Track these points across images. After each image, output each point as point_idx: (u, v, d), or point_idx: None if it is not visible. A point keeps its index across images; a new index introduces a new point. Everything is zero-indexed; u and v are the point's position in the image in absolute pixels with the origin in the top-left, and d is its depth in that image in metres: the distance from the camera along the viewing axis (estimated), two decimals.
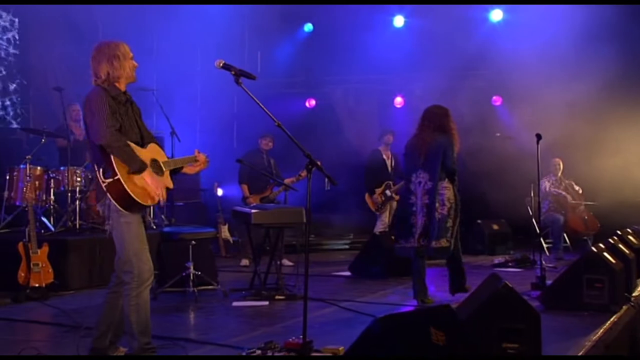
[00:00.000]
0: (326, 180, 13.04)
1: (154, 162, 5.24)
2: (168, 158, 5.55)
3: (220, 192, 13.11)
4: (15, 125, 12.89)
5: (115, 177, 4.93)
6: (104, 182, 4.94)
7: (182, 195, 12.43)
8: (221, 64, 5.29)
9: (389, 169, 12.34)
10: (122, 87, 5.24)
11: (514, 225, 13.33)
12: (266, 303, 7.98)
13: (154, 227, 10.35)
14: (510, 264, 11.24)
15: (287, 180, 11.25)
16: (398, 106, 16.02)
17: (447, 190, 8.24)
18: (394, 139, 12.43)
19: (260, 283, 8.58)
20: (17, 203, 9.77)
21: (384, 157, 12.33)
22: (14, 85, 13.09)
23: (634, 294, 8.30)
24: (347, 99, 16.46)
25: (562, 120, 12.86)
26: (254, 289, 8.47)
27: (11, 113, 13.02)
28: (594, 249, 7.81)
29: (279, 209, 8.50)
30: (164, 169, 5.30)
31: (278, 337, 5.79)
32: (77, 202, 9.80)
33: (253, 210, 8.13)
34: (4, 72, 12.96)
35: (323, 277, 10.31)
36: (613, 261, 7.71)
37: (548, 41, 13.59)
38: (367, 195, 12.24)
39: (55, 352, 5.97)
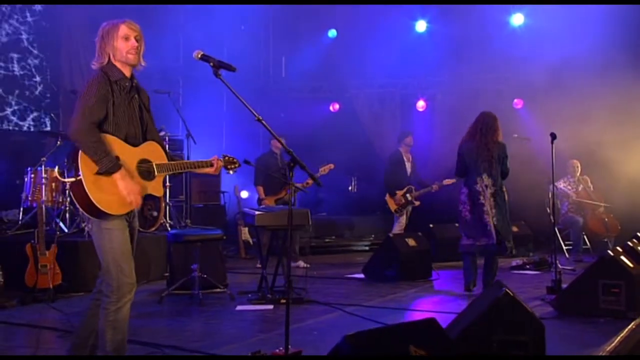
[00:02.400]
0: (354, 181, 12.69)
1: (143, 163, 4.44)
2: (174, 160, 4.73)
3: (245, 194, 12.52)
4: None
5: (78, 177, 4.16)
6: (65, 181, 4.25)
7: (201, 197, 11.82)
8: (199, 55, 4.65)
9: (408, 171, 11.67)
10: (126, 71, 4.46)
11: (535, 227, 12.54)
12: (270, 307, 7.34)
13: (169, 228, 9.81)
14: (528, 267, 10.47)
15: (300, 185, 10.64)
16: (420, 109, 15.40)
17: (506, 194, 8.30)
18: (413, 141, 11.83)
19: (268, 286, 7.91)
20: (34, 204, 9.23)
21: (404, 158, 11.65)
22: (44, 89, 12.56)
23: None
24: (371, 103, 15.86)
25: (581, 123, 12.18)
26: (261, 292, 7.80)
27: (44, 118, 12.51)
28: (610, 252, 7.04)
29: (283, 210, 7.82)
30: (155, 173, 4.49)
31: (272, 345, 5.24)
32: None
33: (257, 212, 7.50)
34: (38, 78, 12.46)
35: (336, 279, 9.64)
36: (630, 265, 6.95)
37: (569, 45, 12.84)
38: (387, 196, 11.57)
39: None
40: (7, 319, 6.78)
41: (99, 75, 4.38)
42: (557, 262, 9.07)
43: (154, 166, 4.49)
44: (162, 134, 10.39)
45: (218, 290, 7.86)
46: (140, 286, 8.56)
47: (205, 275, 7.68)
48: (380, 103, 15.76)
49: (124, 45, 4.42)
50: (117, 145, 4.33)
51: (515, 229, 12.23)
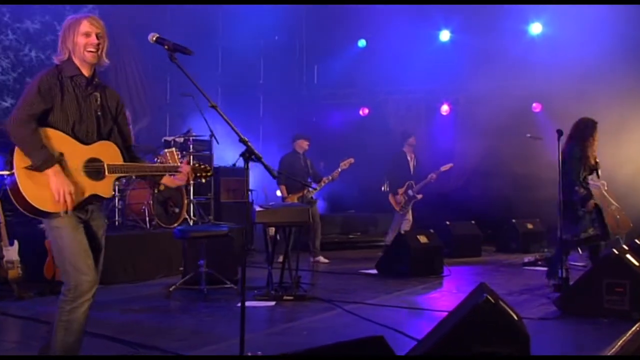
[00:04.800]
0: (386, 183, 11.85)
1: (92, 162, 3.69)
2: (135, 162, 3.98)
3: (278, 193, 11.76)
4: None
5: (12, 171, 3.48)
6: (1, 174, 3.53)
7: (230, 195, 11.09)
8: (154, 38, 3.88)
9: (411, 170, 10.90)
10: (85, 68, 3.75)
11: (550, 224, 11.48)
12: (272, 304, 6.52)
13: (191, 224, 9.11)
14: (539, 263, 9.46)
15: (322, 180, 9.88)
16: (444, 114, 14.52)
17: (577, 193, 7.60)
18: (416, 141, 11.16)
19: (278, 282, 7.11)
20: None
21: (408, 158, 10.84)
22: None
23: None
24: (398, 108, 15.01)
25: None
26: (270, 288, 6.97)
27: None
28: (615, 250, 6.04)
29: (283, 207, 7.00)
30: (105, 173, 3.72)
31: (259, 346, 4.43)
32: (117, 200, 8.54)
33: (257, 209, 6.69)
34: None
35: (349, 274, 8.79)
36: (636, 264, 5.98)
37: (585, 52, 11.89)
38: (390, 196, 10.74)
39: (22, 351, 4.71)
40: (17, 312, 6.09)
41: (49, 70, 3.73)
42: (566, 259, 8.13)
43: (105, 166, 3.73)
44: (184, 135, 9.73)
45: (226, 285, 7.05)
46: (157, 280, 7.93)
47: (211, 271, 6.90)
48: (407, 108, 14.95)
49: (83, 41, 3.72)
50: (61, 141, 3.61)
51: (530, 226, 11.33)
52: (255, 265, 9.10)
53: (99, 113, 3.81)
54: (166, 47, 3.86)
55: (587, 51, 11.88)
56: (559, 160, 7.42)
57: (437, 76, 13.96)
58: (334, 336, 5.17)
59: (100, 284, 7.28)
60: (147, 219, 8.48)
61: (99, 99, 3.83)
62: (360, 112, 15.28)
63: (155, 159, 8.96)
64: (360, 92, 15.21)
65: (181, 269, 7.72)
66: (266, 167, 3.84)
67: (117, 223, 8.48)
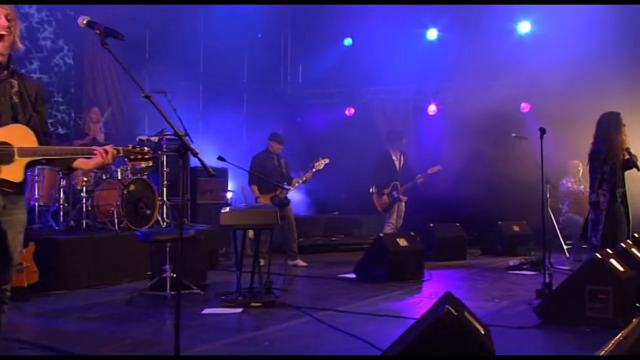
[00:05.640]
0: (374, 185, 11.49)
1: (1, 145, 3.38)
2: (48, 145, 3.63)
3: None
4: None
5: None
6: None
7: (207, 196, 10.71)
8: (85, 21, 3.54)
9: (398, 170, 10.62)
10: None
11: (536, 226, 11.14)
12: (239, 311, 6.15)
13: (163, 226, 8.73)
14: (525, 267, 9.11)
15: (293, 181, 9.53)
16: (431, 113, 14.23)
17: (602, 197, 7.22)
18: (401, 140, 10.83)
19: (250, 287, 6.74)
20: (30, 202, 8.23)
21: (394, 158, 10.51)
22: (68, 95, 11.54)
23: None
24: (384, 107, 14.68)
25: (585, 125, 10.88)
26: (239, 294, 6.60)
27: (68, 121, 11.51)
28: (598, 255, 5.67)
29: (250, 209, 6.62)
30: (15, 156, 3.40)
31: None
32: (84, 201, 8.16)
33: (222, 211, 6.31)
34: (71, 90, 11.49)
35: (326, 279, 8.41)
36: (620, 269, 5.62)
37: (574, 50, 11.60)
38: (375, 196, 10.47)
39: None
40: None
41: None
42: (550, 263, 7.80)
43: (15, 149, 3.40)
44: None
45: (193, 291, 6.67)
46: (124, 285, 7.56)
47: (177, 276, 6.52)
48: (394, 107, 14.60)
49: None
50: None
51: (516, 228, 10.99)
52: (231, 269, 8.71)
53: (16, 100, 3.52)
54: (97, 31, 3.57)
55: (576, 50, 11.62)
56: (541, 160, 7.12)
57: (424, 75, 13.71)
58: (296, 347, 4.85)
59: (61, 289, 7.05)
60: (116, 220, 8.10)
61: (15, 85, 3.54)
62: (346, 112, 15.02)
63: (125, 159, 8.64)
64: (346, 92, 14.91)
65: (149, 273, 7.34)
66: (202, 164, 3.49)
67: (84, 225, 8.08)
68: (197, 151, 3.44)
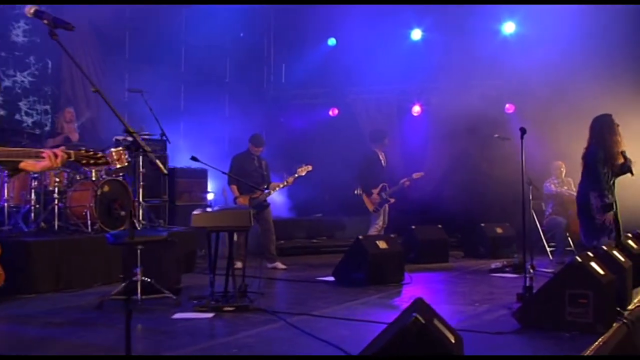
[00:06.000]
0: (360, 186, 11.32)
1: None
2: None
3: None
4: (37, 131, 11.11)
5: None
6: None
7: (185, 197, 10.53)
8: (32, 10, 3.36)
9: (384, 169, 10.50)
10: None
11: (520, 228, 11.02)
12: (210, 315, 5.96)
13: (138, 227, 8.54)
14: (507, 269, 8.97)
15: (273, 184, 9.36)
16: (416, 114, 14.07)
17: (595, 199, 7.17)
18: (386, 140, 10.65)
19: (225, 291, 6.55)
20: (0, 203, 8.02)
21: (380, 157, 10.34)
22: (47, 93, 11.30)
23: (629, 307, 6.06)
24: (368, 108, 14.51)
25: (570, 125, 10.83)
26: (211, 298, 6.41)
27: (45, 120, 11.26)
28: (578, 258, 5.53)
29: (222, 211, 6.45)
30: None
31: None
32: (56, 203, 7.95)
33: (194, 212, 6.13)
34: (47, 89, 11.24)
35: (305, 282, 8.25)
36: (601, 272, 5.48)
37: (559, 51, 11.52)
38: (364, 196, 10.27)
39: None
40: None
41: None
42: (532, 266, 7.66)
43: None
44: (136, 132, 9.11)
45: (165, 295, 6.48)
46: (95, 289, 7.36)
47: (148, 280, 6.34)
48: (378, 108, 14.44)
49: None
50: None
51: (499, 230, 10.85)
52: (220, 273, 8.54)
53: None
54: (45, 21, 3.39)
55: (561, 51, 11.57)
56: (522, 161, 7.00)
57: (408, 76, 13.57)
58: (266, 354, 4.68)
59: (29, 293, 6.84)
60: (89, 222, 7.90)
61: None
62: (330, 113, 14.83)
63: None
64: (330, 92, 14.73)
65: (121, 276, 7.14)
66: (154, 163, 3.31)
67: (56, 227, 7.87)
68: (149, 149, 3.26)
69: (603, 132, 7.16)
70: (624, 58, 11.15)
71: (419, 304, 3.35)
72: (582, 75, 11.20)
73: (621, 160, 7.19)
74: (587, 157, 7.23)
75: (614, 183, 7.26)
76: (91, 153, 3.54)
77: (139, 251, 6.33)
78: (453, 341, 3.20)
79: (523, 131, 6.82)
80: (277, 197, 11.99)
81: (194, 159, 6.50)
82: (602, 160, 7.09)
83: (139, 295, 6.25)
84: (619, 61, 11.09)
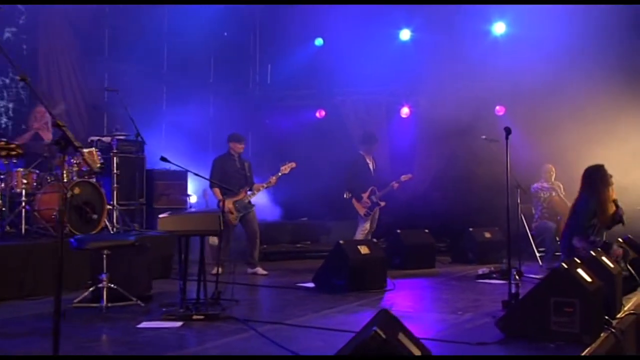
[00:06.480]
0: (348, 190, 11.07)
1: None
2: None
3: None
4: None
5: None
6: None
7: (164, 200, 10.25)
8: None
9: (372, 173, 10.34)
10: None
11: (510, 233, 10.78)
12: (178, 325, 5.68)
13: (112, 231, 8.26)
14: (494, 275, 8.72)
15: (256, 185, 9.10)
16: (404, 116, 13.86)
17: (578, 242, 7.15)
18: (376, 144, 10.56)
19: (197, 297, 6.27)
20: None
21: (367, 160, 10.13)
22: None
23: (618, 316, 5.81)
24: (356, 110, 14.26)
25: (560, 129, 10.70)
26: (180, 306, 6.13)
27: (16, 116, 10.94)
28: (564, 264, 5.27)
29: (190, 214, 6.18)
30: None
31: None
32: (23, 205, 7.67)
33: (160, 216, 5.85)
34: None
35: (284, 288, 7.97)
36: (588, 280, 5.22)
37: (550, 52, 11.33)
38: (354, 201, 10.08)
39: None
40: None
41: None
42: (519, 272, 7.38)
43: None
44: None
45: (133, 302, 6.21)
46: (63, 295, 7.03)
47: (114, 286, 6.06)
48: (366, 110, 14.19)
49: None
50: None
51: (488, 235, 10.60)
52: (189, 278, 8.26)
53: None
54: None
55: (552, 52, 11.39)
56: (507, 163, 6.78)
57: (397, 77, 13.39)
58: None
59: None
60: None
61: None
62: (317, 114, 14.63)
63: (71, 160, 8.16)
64: (317, 93, 14.51)
65: (90, 282, 6.84)
66: (85, 159, 3.05)
67: (23, 231, 7.58)
68: (80, 144, 2.99)
69: (596, 182, 7.16)
70: (615, 59, 10.94)
71: (382, 316, 3.08)
72: (574, 76, 11.05)
73: (613, 209, 7.13)
74: (577, 206, 7.23)
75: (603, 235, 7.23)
76: (2, 143, 3.28)
77: (104, 256, 6.04)
78: (419, 355, 2.93)
79: (508, 131, 6.61)
80: (262, 200, 11.72)
81: (163, 159, 6.22)
82: (592, 211, 7.08)
83: (104, 302, 5.97)
84: (611, 62, 10.88)
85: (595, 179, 7.20)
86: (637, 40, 11.34)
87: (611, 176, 7.26)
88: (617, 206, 7.20)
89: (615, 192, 7.29)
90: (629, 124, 10.63)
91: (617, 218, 7.16)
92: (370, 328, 2.80)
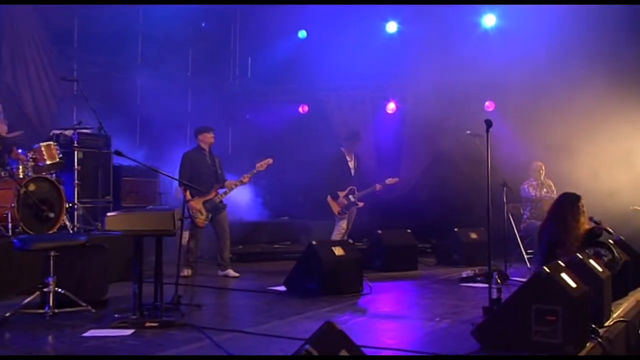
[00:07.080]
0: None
1: None
2: None
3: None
4: None
5: None
6: None
7: (132, 198, 9.85)
8: None
9: (352, 171, 9.96)
10: None
11: (495, 233, 10.41)
12: (128, 333, 5.28)
13: (71, 231, 7.86)
14: (478, 278, 8.32)
15: (228, 183, 8.72)
16: (390, 112, 13.45)
17: None
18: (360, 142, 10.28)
19: (153, 304, 5.87)
20: None
21: (347, 158, 9.78)
22: None
23: (606, 324, 5.45)
24: (341, 105, 13.87)
25: (552, 125, 10.40)
26: (133, 312, 5.71)
27: None
28: (546, 268, 4.89)
29: (142, 212, 5.77)
30: None
31: None
32: None
33: (107, 215, 5.44)
34: None
35: (254, 292, 7.59)
36: (572, 285, 4.84)
37: (540, 46, 11.11)
38: (329, 199, 9.77)
39: None
40: None
41: None
42: (502, 275, 7.04)
43: None
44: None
45: (82, 308, 5.80)
46: (13, 300, 6.61)
47: (62, 291, 5.66)
48: (351, 105, 13.81)
49: None
50: None
51: (474, 235, 10.23)
52: (148, 280, 7.81)
53: None
54: None
55: (543, 46, 11.17)
56: (487, 157, 6.43)
57: (383, 71, 13.02)
58: None
59: None
60: (10, 225, 7.20)
61: None
62: (300, 110, 14.27)
63: (27, 155, 7.76)
64: (299, 88, 14.08)
65: (40, 286, 6.43)
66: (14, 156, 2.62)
67: None
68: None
69: (566, 214, 6.73)
70: (606, 54, 10.65)
71: (324, 331, 2.70)
72: (565, 71, 10.79)
73: (586, 227, 6.73)
74: (542, 235, 6.88)
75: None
76: None
77: (51, 258, 5.65)
78: None
79: (488, 124, 6.23)
80: (241, 198, 11.36)
81: (117, 153, 5.82)
82: (559, 242, 6.67)
83: (47, 308, 5.57)
84: (602, 57, 10.59)
85: (566, 209, 6.76)
86: (628, 34, 11.00)
87: (583, 204, 6.78)
88: (594, 222, 6.80)
89: (586, 219, 6.81)
90: (620, 122, 10.31)
91: (595, 233, 6.77)
92: (304, 346, 2.42)
